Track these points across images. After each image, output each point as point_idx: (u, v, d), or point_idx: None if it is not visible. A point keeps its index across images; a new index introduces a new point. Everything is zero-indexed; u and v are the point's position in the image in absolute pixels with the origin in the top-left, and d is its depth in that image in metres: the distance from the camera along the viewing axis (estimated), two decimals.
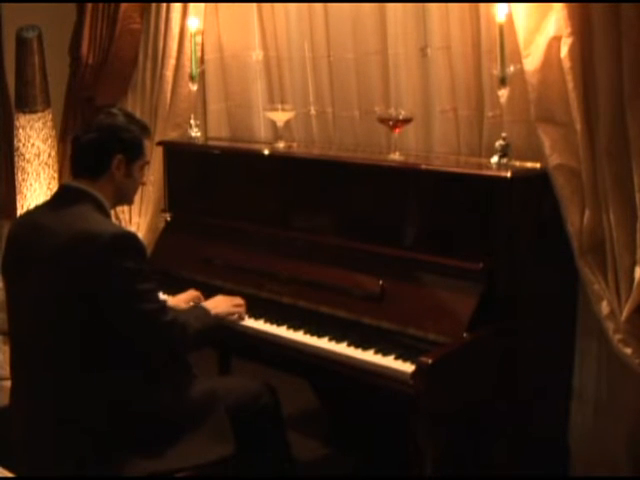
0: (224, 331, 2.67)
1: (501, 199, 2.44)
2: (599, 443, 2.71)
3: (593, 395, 2.75)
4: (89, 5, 3.76)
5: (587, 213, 2.49)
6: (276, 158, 3.11)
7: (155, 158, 3.61)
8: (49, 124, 3.78)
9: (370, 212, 2.76)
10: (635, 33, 2.29)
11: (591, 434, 2.73)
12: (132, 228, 3.78)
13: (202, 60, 3.67)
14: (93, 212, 2.29)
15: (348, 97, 3.31)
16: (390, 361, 2.36)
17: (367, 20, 3.17)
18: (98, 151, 2.36)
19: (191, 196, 3.39)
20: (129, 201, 2.54)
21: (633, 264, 2.40)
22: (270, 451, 2.51)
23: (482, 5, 2.79)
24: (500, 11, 2.50)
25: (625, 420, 2.63)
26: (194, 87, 3.51)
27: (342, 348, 2.47)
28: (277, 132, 3.28)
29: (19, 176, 3.78)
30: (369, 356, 2.40)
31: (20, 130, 3.74)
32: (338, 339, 2.51)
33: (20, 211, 3.75)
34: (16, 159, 3.78)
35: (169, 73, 3.67)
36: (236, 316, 2.69)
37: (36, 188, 3.76)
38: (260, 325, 2.69)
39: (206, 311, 2.53)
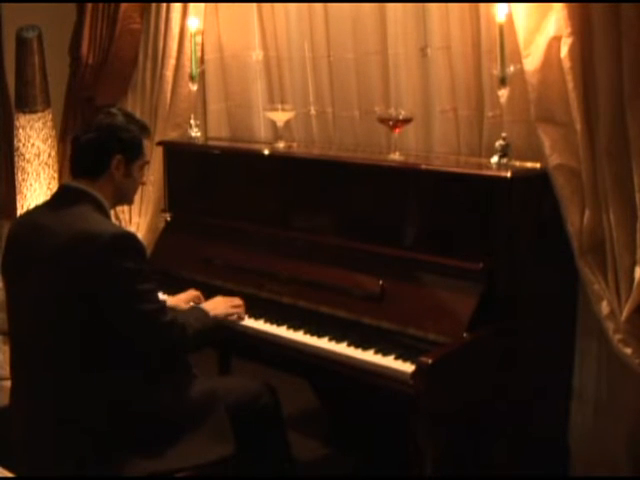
0: (224, 331, 2.67)
1: (501, 199, 2.44)
2: (599, 443, 2.71)
3: (593, 395, 2.75)
4: (89, 5, 3.76)
5: (587, 213, 2.49)
6: (276, 158, 3.11)
7: (155, 158, 3.61)
8: (49, 124, 3.78)
9: (370, 212, 2.76)
10: (635, 33, 2.29)
11: (591, 434, 2.73)
12: (132, 228, 3.78)
13: (202, 60, 3.67)
14: (93, 212, 2.29)
15: (348, 97, 3.31)
16: (390, 361, 2.36)
17: (367, 20, 3.17)
18: (97, 151, 2.36)
19: (191, 196, 3.39)
20: (129, 201, 2.54)
21: (633, 264, 2.40)
22: (270, 451, 2.51)
23: (482, 5, 2.79)
24: (500, 11, 2.50)
25: (625, 420, 2.63)
26: (194, 87, 3.51)
27: (342, 348, 2.47)
28: (277, 132, 3.28)
29: (19, 176, 3.78)
30: (369, 356, 2.40)
31: (20, 130, 3.74)
32: (338, 339, 2.51)
33: (20, 211, 3.75)
34: (16, 159, 3.78)
35: (169, 73, 3.67)
36: (235, 317, 2.69)
37: (36, 188, 3.76)
38: (260, 325, 2.69)
39: (205, 312, 2.53)
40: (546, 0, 2.49)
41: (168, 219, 3.41)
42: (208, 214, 3.22)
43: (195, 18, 3.49)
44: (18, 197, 3.80)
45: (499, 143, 2.56)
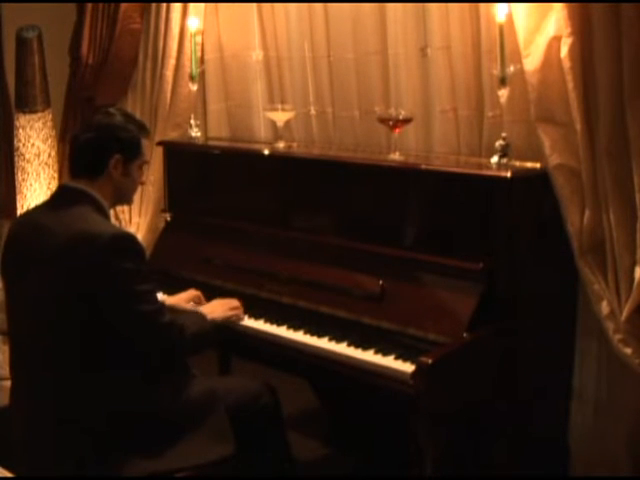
0: (224, 331, 2.67)
1: (501, 199, 2.44)
2: (599, 443, 2.71)
3: (593, 395, 2.75)
4: (89, 5, 3.76)
5: (587, 213, 2.49)
6: (276, 158, 3.11)
7: (155, 158, 3.61)
8: (49, 124, 3.78)
9: (370, 212, 2.76)
10: (635, 33, 2.29)
11: (591, 434, 2.73)
12: (132, 228, 3.78)
13: (202, 60, 3.67)
14: (92, 213, 2.29)
15: (348, 97, 3.32)
16: (390, 361, 2.36)
17: (367, 20, 3.17)
18: (96, 151, 2.36)
19: (191, 196, 3.39)
20: (128, 201, 2.54)
21: (633, 264, 2.40)
22: (270, 451, 2.51)
23: (482, 5, 2.79)
24: (500, 11, 2.50)
25: (625, 420, 2.63)
26: (194, 87, 3.51)
27: (342, 348, 2.47)
28: (277, 132, 3.28)
29: (19, 176, 3.78)
30: (369, 356, 2.40)
31: (20, 130, 3.74)
32: (338, 339, 2.51)
33: (20, 211, 3.75)
34: (16, 159, 3.79)
35: (169, 73, 3.67)
36: (234, 318, 2.69)
37: (36, 188, 3.76)
38: (260, 325, 2.69)
39: (203, 316, 2.52)
40: (546, 0, 2.49)
41: (168, 219, 3.41)
42: (208, 214, 3.22)
43: (195, 18, 3.49)
44: (18, 197, 3.80)
45: (499, 143, 2.56)
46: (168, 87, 3.68)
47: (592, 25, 2.38)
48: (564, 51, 2.43)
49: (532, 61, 2.52)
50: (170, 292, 2.90)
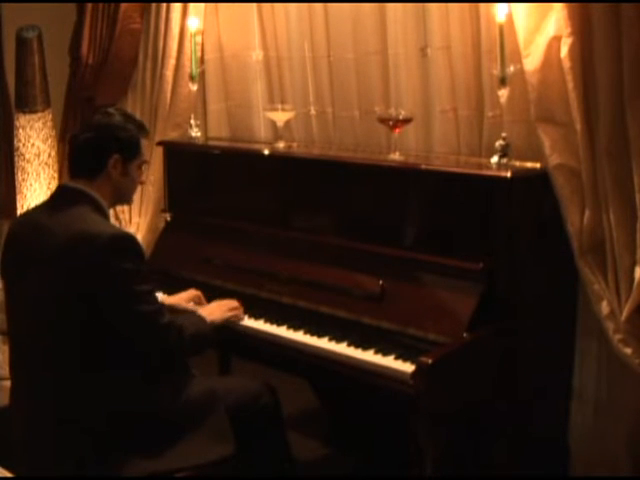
0: (224, 331, 2.67)
1: (501, 199, 2.44)
2: (599, 443, 2.71)
3: (593, 395, 2.75)
4: (89, 5, 3.76)
5: (587, 213, 2.49)
6: (276, 158, 3.11)
7: (155, 158, 3.61)
8: (49, 124, 3.78)
9: (370, 212, 2.76)
10: (635, 32, 2.29)
11: (591, 434, 2.73)
12: (132, 228, 3.78)
13: (202, 60, 3.67)
14: (91, 213, 2.29)
15: (348, 97, 3.32)
16: (390, 361, 2.36)
17: (367, 20, 3.17)
18: (95, 151, 2.36)
19: (191, 196, 3.39)
20: (127, 201, 2.54)
21: (633, 264, 2.40)
22: (270, 451, 2.51)
23: (482, 5, 2.79)
24: (500, 11, 2.50)
25: (625, 420, 2.63)
26: (194, 87, 3.51)
27: (342, 348, 2.47)
28: (277, 132, 3.28)
29: (19, 176, 3.78)
30: (369, 356, 2.40)
31: (20, 130, 3.74)
32: (338, 339, 2.51)
33: (20, 211, 3.75)
34: (16, 159, 3.79)
35: (169, 73, 3.67)
36: (234, 319, 2.69)
37: (36, 188, 3.76)
38: (260, 325, 2.69)
39: (202, 318, 2.52)
40: (546, 0, 2.49)
41: (168, 219, 3.41)
42: (208, 214, 3.22)
43: (195, 18, 3.49)
44: (18, 197, 3.80)
45: (499, 143, 2.56)
46: (168, 87, 3.68)
47: (592, 25, 2.38)
48: (564, 51, 2.43)
49: (532, 61, 2.52)
50: (170, 292, 2.90)
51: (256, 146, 3.46)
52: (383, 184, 2.73)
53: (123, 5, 3.66)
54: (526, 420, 2.57)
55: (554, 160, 2.51)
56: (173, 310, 2.63)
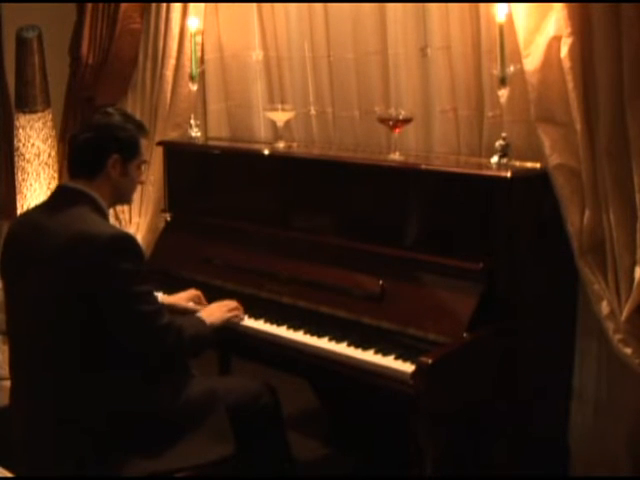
0: (224, 332, 2.67)
1: (501, 199, 2.44)
2: (599, 443, 2.71)
3: (593, 395, 2.75)
4: (89, 5, 3.76)
5: (587, 213, 2.49)
6: (276, 158, 3.11)
7: (155, 158, 3.61)
8: (49, 124, 3.78)
9: (370, 212, 2.76)
10: (635, 32, 2.29)
11: (591, 434, 2.73)
12: (132, 228, 3.78)
13: (202, 60, 3.67)
14: (90, 213, 2.28)
15: (348, 97, 3.32)
16: (390, 361, 2.36)
17: (367, 20, 3.17)
18: (94, 151, 2.35)
19: (191, 196, 3.39)
20: (127, 201, 2.54)
21: (633, 264, 2.40)
22: (270, 451, 2.51)
23: (482, 5, 2.79)
24: (500, 11, 2.50)
25: (625, 420, 2.63)
26: (194, 87, 3.51)
27: (342, 348, 2.47)
28: (277, 132, 3.28)
29: (19, 176, 3.78)
30: (369, 356, 2.40)
31: (20, 130, 3.74)
32: (338, 339, 2.51)
33: (20, 211, 3.75)
34: (16, 159, 3.79)
35: (169, 73, 3.67)
36: (234, 319, 2.68)
37: (36, 188, 3.76)
38: (260, 325, 2.69)
39: (201, 320, 2.52)
40: (546, 0, 2.49)
41: (168, 219, 3.41)
42: (208, 214, 3.22)
43: (195, 18, 3.49)
44: (18, 197, 3.80)
45: (499, 143, 2.56)
46: (168, 87, 3.68)
47: (592, 25, 2.38)
48: (564, 51, 2.43)
49: (532, 61, 2.52)
50: (170, 292, 2.89)
51: (256, 146, 3.46)
52: (383, 184, 2.73)
53: (123, 5, 3.66)
54: (526, 420, 2.57)
55: (554, 160, 2.51)
56: (173, 310, 2.63)
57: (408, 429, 2.28)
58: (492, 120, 2.84)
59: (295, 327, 2.63)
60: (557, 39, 2.46)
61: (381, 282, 2.57)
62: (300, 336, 2.59)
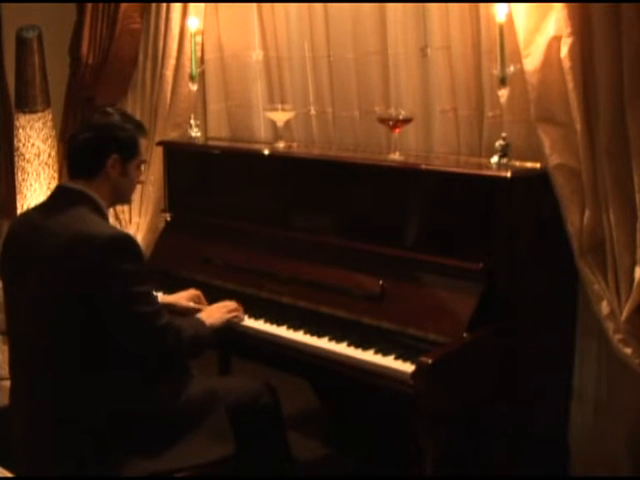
0: (224, 332, 2.67)
1: (501, 199, 2.44)
2: (599, 443, 2.71)
3: (593, 395, 2.75)
4: (89, 5, 3.77)
5: (587, 213, 2.49)
6: (276, 158, 3.11)
7: (155, 158, 3.61)
8: (49, 124, 3.78)
9: (370, 212, 2.76)
10: (635, 32, 2.29)
11: (591, 434, 2.73)
12: (132, 228, 3.79)
13: (202, 60, 3.67)
14: (90, 213, 2.28)
15: (348, 97, 3.31)
16: (390, 361, 2.36)
17: (367, 20, 3.17)
18: (93, 151, 2.35)
19: (191, 196, 3.39)
20: (126, 201, 2.54)
21: (633, 264, 2.40)
22: (270, 451, 2.51)
23: (482, 5, 2.79)
24: (500, 11, 2.50)
25: (625, 420, 2.63)
26: (194, 87, 3.51)
27: (342, 348, 2.47)
28: (277, 132, 3.28)
29: (19, 176, 3.78)
30: (369, 356, 2.40)
31: (20, 130, 3.74)
32: (338, 339, 2.51)
33: (20, 211, 3.75)
34: (16, 159, 3.79)
35: (169, 73, 3.67)
36: (235, 320, 2.68)
37: (36, 188, 3.76)
38: (260, 325, 2.69)
39: (201, 321, 2.52)
40: (546, 0, 2.49)
41: (168, 219, 3.41)
42: (208, 214, 3.22)
43: (195, 18, 3.49)
44: (18, 197, 3.80)
45: (499, 143, 2.56)
46: (168, 87, 3.68)
47: (592, 25, 2.38)
48: (564, 51, 2.43)
49: (532, 61, 2.52)
50: (170, 292, 2.89)
51: (256, 146, 3.46)
52: (383, 184, 2.73)
53: (123, 5, 3.66)
54: (526, 420, 2.57)
55: (554, 160, 2.51)
56: (173, 310, 2.63)
57: (408, 429, 2.28)
58: (492, 120, 2.84)
59: (295, 327, 2.63)
60: (557, 39, 2.46)
61: (381, 282, 2.57)
62: (300, 336, 2.59)
